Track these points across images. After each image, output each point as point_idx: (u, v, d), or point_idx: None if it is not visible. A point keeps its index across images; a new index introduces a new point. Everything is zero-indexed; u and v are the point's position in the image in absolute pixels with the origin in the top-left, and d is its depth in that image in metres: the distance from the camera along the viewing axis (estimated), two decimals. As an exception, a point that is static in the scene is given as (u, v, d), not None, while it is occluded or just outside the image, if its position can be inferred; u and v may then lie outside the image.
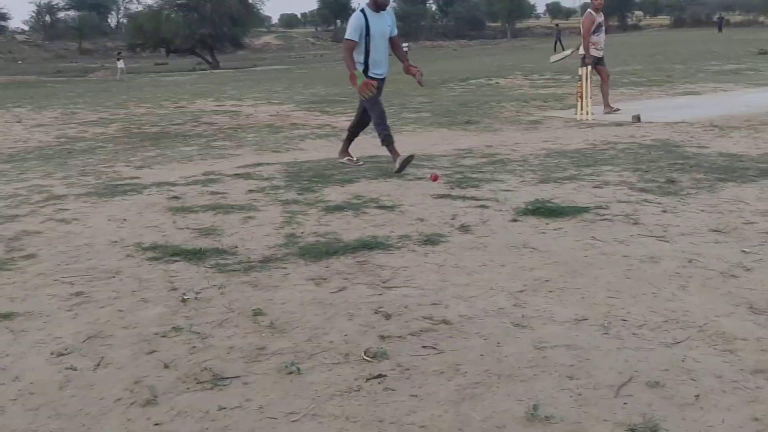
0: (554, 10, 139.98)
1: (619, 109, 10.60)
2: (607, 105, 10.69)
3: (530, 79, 17.89)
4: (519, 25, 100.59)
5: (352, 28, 6.56)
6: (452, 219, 4.79)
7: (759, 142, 7.44)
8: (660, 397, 2.47)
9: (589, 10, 10.80)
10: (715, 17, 76.38)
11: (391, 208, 5.16)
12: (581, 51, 10.62)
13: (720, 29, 64.38)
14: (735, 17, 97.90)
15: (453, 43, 74.73)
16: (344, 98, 15.05)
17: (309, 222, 4.84)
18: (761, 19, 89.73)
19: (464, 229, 4.55)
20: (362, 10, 6.64)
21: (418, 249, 4.18)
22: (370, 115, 6.81)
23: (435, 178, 5.94)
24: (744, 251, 3.95)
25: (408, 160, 6.50)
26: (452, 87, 16.72)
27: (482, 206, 5.10)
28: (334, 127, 10.40)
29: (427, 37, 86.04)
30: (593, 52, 10.47)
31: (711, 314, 3.15)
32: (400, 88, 16.99)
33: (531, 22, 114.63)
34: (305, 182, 6.14)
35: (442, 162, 7.11)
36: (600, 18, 10.60)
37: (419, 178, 6.21)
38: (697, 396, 2.46)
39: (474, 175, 6.26)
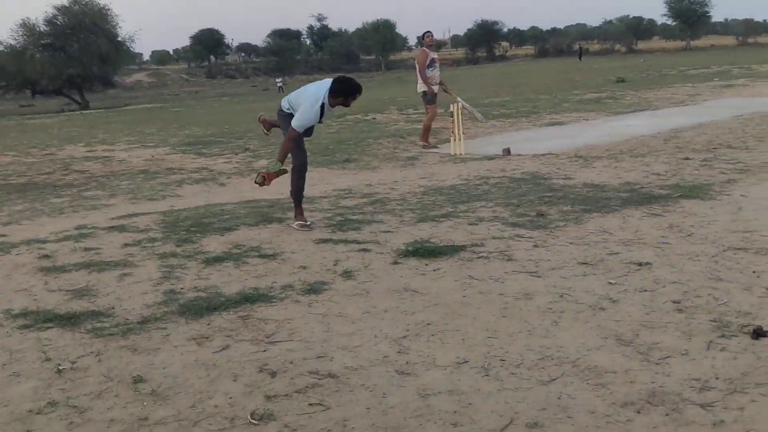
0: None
1: (437, 147, 11.08)
2: (424, 138, 11.19)
3: (405, 114, 18.28)
4: (392, 57, 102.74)
5: (305, 121, 5.86)
6: (334, 265, 4.83)
7: (619, 172, 7.91)
8: (539, 438, 2.57)
9: (422, 48, 11.31)
10: (575, 47, 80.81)
11: (272, 256, 5.14)
12: (419, 88, 11.09)
13: (580, 58, 68.23)
14: (594, 46, 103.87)
15: (329, 76, 75.46)
16: (220, 139, 14.89)
17: (188, 276, 4.75)
18: (617, 47, 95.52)
19: (347, 275, 4.59)
20: (322, 105, 5.86)
21: (302, 299, 4.18)
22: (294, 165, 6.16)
23: None
24: (610, 283, 4.19)
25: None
26: (329, 123, 16.84)
27: (364, 249, 5.17)
28: (212, 171, 10.27)
29: (303, 71, 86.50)
30: (433, 87, 11.03)
31: (583, 349, 3.31)
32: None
33: (404, 54, 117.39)
34: (183, 232, 6.02)
35: (323, 203, 7.16)
36: (433, 54, 11.08)
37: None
38: (573, 434, 2.58)
39: (355, 217, 6.33)
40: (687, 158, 8.53)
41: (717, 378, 2.95)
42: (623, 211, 6.00)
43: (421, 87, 11.26)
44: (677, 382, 2.93)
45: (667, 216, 5.77)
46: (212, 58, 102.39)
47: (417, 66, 11.16)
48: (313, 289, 4.34)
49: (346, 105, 6.00)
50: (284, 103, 6.21)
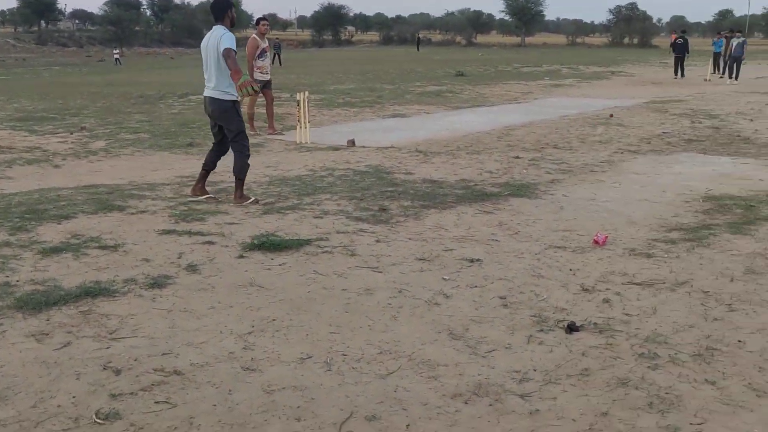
0: (271, 22, 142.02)
1: (282, 133, 11.21)
2: (271, 127, 11.31)
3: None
4: (237, 34, 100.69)
5: (231, 39, 6.45)
6: (179, 258, 4.83)
7: (456, 168, 8.34)
8: (376, 430, 2.78)
9: (253, 35, 11.06)
10: (417, 37, 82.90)
11: (114, 247, 5.05)
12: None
13: (418, 48, 70.15)
14: (436, 36, 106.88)
15: (170, 50, 72.82)
16: (54, 115, 14.13)
17: (24, 268, 4.58)
18: (458, 39, 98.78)
19: (191, 268, 4.61)
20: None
21: (145, 293, 4.17)
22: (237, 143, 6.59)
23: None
24: (444, 278, 4.49)
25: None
26: (171, 104, 16.42)
27: (209, 242, 5.19)
28: (45, 151, 9.78)
29: (142, 43, 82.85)
30: (258, 76, 10.88)
31: (418, 343, 3.56)
32: (115, 104, 16.35)
33: (249, 31, 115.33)
34: (17, 220, 5.75)
35: (165, 191, 7.06)
36: (264, 44, 11.14)
37: (142, 212, 6.11)
38: (408, 425, 2.81)
39: (199, 207, 6.31)
40: (517, 157, 9.12)
41: (535, 370, 3.28)
42: (458, 208, 6.37)
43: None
44: (500, 374, 3.24)
45: (498, 214, 6.19)
46: (42, 23, 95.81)
47: (246, 54, 10.83)
48: (157, 283, 4.33)
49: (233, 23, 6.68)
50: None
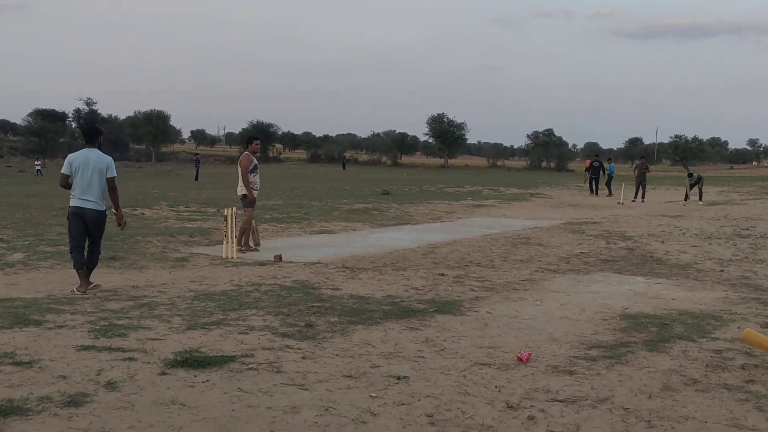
0: (199, 137, 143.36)
1: (258, 249, 11.21)
2: (247, 244, 11.29)
3: (176, 210, 18.04)
4: (164, 149, 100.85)
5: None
6: (98, 375, 4.67)
7: (383, 284, 8.43)
8: None
9: (246, 152, 11.62)
10: (343, 157, 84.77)
11: (29, 363, 4.85)
12: (240, 191, 11.30)
13: (344, 167, 71.65)
14: (363, 156, 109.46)
15: (94, 163, 72.31)
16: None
17: (-71, 385, 4.34)
18: (384, 159, 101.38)
19: (111, 386, 4.46)
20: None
21: (61, 412, 3.99)
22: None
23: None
24: (371, 396, 4.46)
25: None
26: (94, 216, 16.16)
27: (130, 359, 5.05)
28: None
29: (65, 155, 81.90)
30: (253, 192, 11.28)
31: (345, 463, 3.50)
32: (35, 215, 16.03)
33: (176, 146, 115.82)
34: (-77, 334, 5.49)
35: (85, 305, 6.87)
36: (255, 160, 11.44)
37: (60, 326, 5.92)
38: None
39: (120, 322, 6.16)
40: (442, 274, 9.28)
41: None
42: (385, 324, 6.40)
43: (241, 190, 11.40)
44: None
45: (424, 330, 6.25)
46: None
47: (240, 169, 11.34)
48: (74, 401, 4.16)
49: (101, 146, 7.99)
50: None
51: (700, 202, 25.70)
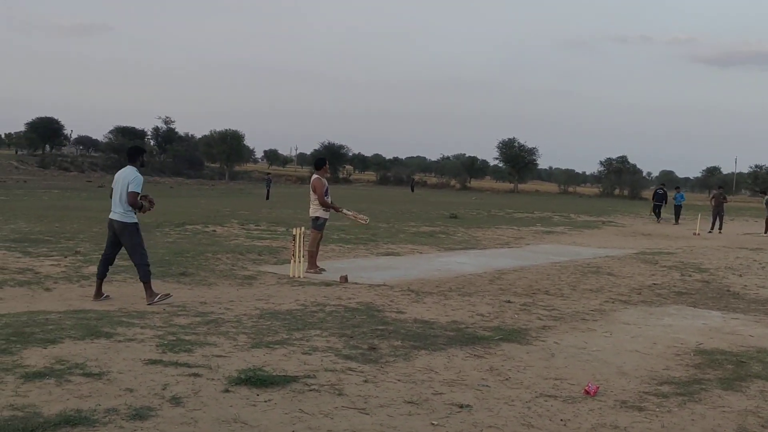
0: (272, 157, 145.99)
1: (324, 270, 11.22)
2: (315, 265, 11.31)
3: (246, 229, 18.33)
4: (238, 168, 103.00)
5: (139, 182, 8.23)
6: (163, 389, 4.74)
7: (448, 309, 8.35)
8: None
9: (317, 175, 11.56)
10: (412, 179, 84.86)
11: (98, 375, 4.96)
12: (313, 212, 11.31)
13: (412, 189, 71.67)
14: (431, 179, 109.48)
15: (170, 180, 74.29)
16: (49, 237, 14.22)
17: (5, 392, 4.48)
18: (452, 182, 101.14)
19: (175, 401, 4.51)
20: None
21: (126, 425, 4.06)
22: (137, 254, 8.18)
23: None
24: (433, 424, 4.39)
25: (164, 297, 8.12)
26: (168, 232, 16.58)
27: (195, 374, 5.11)
28: (37, 273, 9.77)
29: (144, 172, 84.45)
30: (323, 214, 11.36)
31: (403, 491, 3.44)
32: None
33: (249, 165, 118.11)
34: (2, 342, 5.68)
35: (155, 320, 7.01)
36: (326, 183, 11.50)
37: (130, 339, 6.05)
38: None
39: (187, 337, 6.25)
40: (509, 301, 9.14)
41: None
42: (449, 350, 6.32)
43: (314, 212, 11.40)
44: None
45: (488, 358, 6.14)
46: (47, 147, 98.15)
47: (314, 191, 11.33)
48: (139, 414, 4.23)
49: (143, 165, 8.52)
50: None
51: None
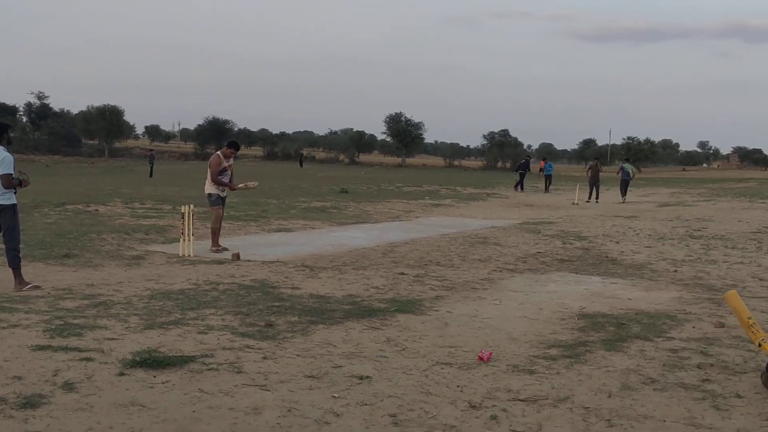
0: (153, 133, 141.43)
1: (226, 249, 11.02)
2: (218, 243, 11.13)
3: (131, 207, 17.74)
4: (118, 144, 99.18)
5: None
6: (54, 376, 4.56)
7: (343, 284, 8.41)
8: None
9: (218, 153, 11.48)
10: (300, 154, 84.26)
11: (-19, 364, 4.73)
12: (207, 189, 11.16)
13: (301, 165, 71.30)
14: (320, 154, 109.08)
15: (46, 158, 70.70)
16: None
17: None
18: (341, 157, 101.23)
19: (68, 387, 4.36)
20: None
21: (17, 414, 3.90)
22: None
23: None
24: (334, 396, 4.44)
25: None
26: (47, 213, 15.81)
27: (87, 359, 4.94)
28: None
29: (17, 150, 79.99)
30: (218, 191, 11.27)
31: (309, 464, 3.48)
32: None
33: (130, 142, 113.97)
34: None
35: (39, 304, 6.71)
36: (226, 163, 11.28)
37: (14, 326, 5.78)
38: None
39: (76, 321, 6.03)
40: (402, 273, 9.30)
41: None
42: (346, 324, 6.38)
43: (209, 188, 11.31)
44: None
45: (385, 329, 6.25)
46: None
47: (210, 168, 11.28)
48: (30, 402, 4.06)
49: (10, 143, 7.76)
50: None
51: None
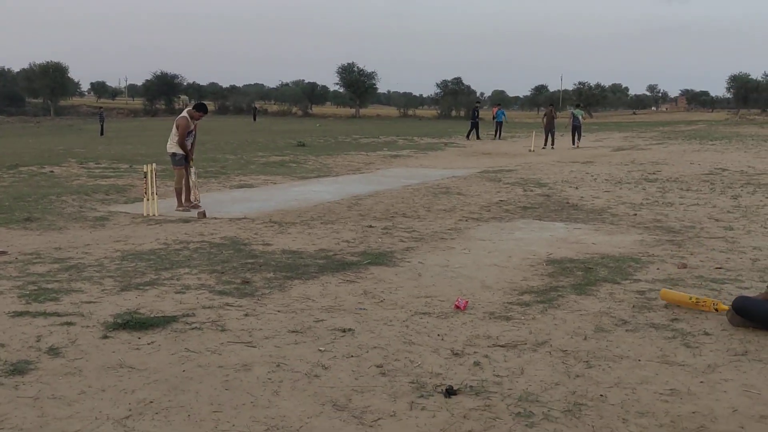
0: (100, 90, 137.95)
1: (198, 206, 10.90)
2: (187, 200, 11.04)
3: (87, 168, 17.42)
4: (63, 102, 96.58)
5: None
6: (37, 341, 4.55)
7: (313, 238, 8.45)
8: (278, 507, 2.76)
9: (186, 115, 11.24)
10: (254, 108, 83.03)
11: (-40, 333, 4.68)
12: (170, 149, 11.01)
13: (254, 119, 70.37)
14: (272, 107, 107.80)
15: (-12, 118, 68.66)
16: None
17: None
18: (294, 109, 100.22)
19: (53, 352, 4.36)
20: None
21: (6, 381, 3.90)
22: None
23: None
24: (320, 350, 4.53)
25: None
26: (1, 176, 15.46)
27: (68, 323, 4.94)
28: None
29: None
30: (181, 151, 11.09)
31: (304, 417, 3.57)
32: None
33: (75, 99, 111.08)
34: None
35: (9, 270, 6.63)
36: (192, 126, 11.11)
37: (-14, 293, 5.71)
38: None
39: (50, 286, 5.98)
40: (370, 226, 9.37)
41: (421, 435, 3.38)
42: (322, 278, 6.45)
43: (173, 148, 11.12)
44: (390, 442, 3.31)
45: (361, 282, 6.33)
46: None
47: (177, 129, 11.08)
48: (18, 369, 4.06)
49: None
50: None
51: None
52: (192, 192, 11.21)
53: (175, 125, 11.23)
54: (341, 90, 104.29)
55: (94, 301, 5.56)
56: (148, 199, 10.42)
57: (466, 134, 35.19)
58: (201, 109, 11.51)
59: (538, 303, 5.66)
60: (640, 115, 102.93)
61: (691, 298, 5.40)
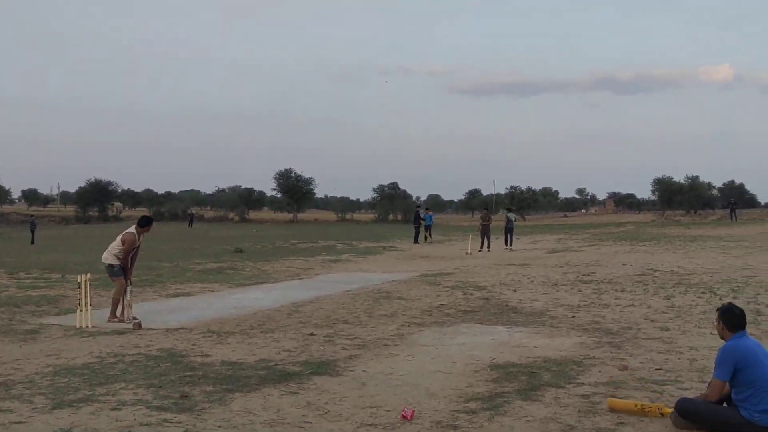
0: (31, 197, 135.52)
1: (134, 318, 10.56)
2: (122, 314, 10.66)
3: (17, 278, 16.88)
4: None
5: None
6: (-39, 468, 4.28)
7: (253, 348, 8.28)
8: None
9: (133, 231, 10.95)
10: (191, 214, 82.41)
11: None
12: (108, 260, 10.69)
13: (191, 225, 69.90)
14: (208, 213, 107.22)
15: None
16: None
17: None
18: (231, 215, 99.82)
19: (-21, 479, 4.11)
20: None
21: None
22: None
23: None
24: (264, 467, 4.37)
25: None
26: None
27: (-6, 447, 4.67)
28: None
29: None
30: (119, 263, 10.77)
31: None
32: None
33: (5, 207, 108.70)
34: None
35: (-70, 390, 6.27)
36: (138, 242, 10.91)
37: None
38: None
39: (-25, 406, 5.68)
40: (312, 334, 9.26)
41: None
42: (263, 390, 6.30)
43: (108, 259, 10.75)
44: None
45: (303, 393, 6.20)
46: None
47: (122, 244, 10.75)
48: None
49: None
50: None
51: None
52: (125, 310, 10.78)
53: (120, 239, 10.87)
54: (278, 195, 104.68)
55: (24, 421, 5.28)
56: (81, 310, 10.10)
57: (413, 239, 35.40)
58: (147, 223, 11.17)
59: (484, 410, 5.63)
60: (571, 217, 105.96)
61: (636, 405, 5.46)
